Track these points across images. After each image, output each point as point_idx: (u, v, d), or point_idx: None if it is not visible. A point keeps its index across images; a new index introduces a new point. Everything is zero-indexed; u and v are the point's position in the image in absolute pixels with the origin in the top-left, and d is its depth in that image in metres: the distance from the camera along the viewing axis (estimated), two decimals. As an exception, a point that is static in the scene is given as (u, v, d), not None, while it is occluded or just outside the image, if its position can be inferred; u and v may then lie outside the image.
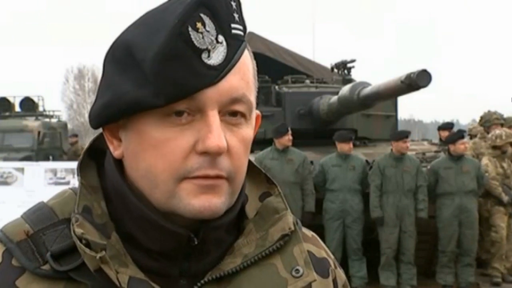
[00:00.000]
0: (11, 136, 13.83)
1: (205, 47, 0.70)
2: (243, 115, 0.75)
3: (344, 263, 6.44)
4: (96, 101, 0.78)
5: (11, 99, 16.70)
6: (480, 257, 7.32)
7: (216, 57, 0.71)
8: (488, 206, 7.31)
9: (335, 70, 9.53)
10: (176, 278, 0.79)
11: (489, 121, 8.92)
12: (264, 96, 7.98)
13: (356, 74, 10.36)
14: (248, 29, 0.78)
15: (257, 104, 0.80)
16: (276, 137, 6.71)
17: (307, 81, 8.77)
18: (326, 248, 0.94)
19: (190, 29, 0.69)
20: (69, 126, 20.45)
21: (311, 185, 6.68)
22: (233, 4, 0.73)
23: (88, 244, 0.73)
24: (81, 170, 0.81)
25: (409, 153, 6.83)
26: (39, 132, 14.18)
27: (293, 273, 0.81)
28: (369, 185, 6.65)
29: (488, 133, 8.33)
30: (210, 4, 0.70)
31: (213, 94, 0.72)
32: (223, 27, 0.71)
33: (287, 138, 6.68)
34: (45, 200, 0.83)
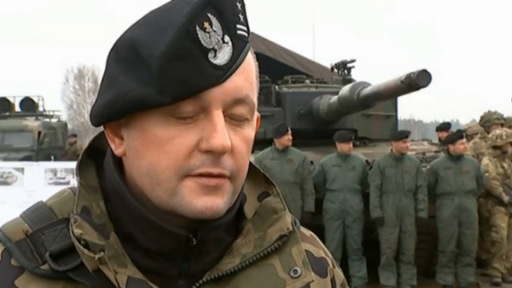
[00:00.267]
0: (11, 136, 13.83)
1: (211, 46, 0.70)
2: (246, 115, 0.76)
3: (344, 263, 6.44)
4: (98, 99, 0.78)
5: (11, 99, 16.71)
6: (480, 257, 7.33)
7: (222, 57, 0.71)
8: (489, 206, 7.31)
9: (335, 70, 9.54)
10: (175, 278, 0.79)
11: (489, 121, 8.92)
12: (264, 96, 7.98)
13: (356, 74, 10.38)
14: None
15: (258, 104, 0.80)
16: (276, 137, 6.72)
17: (307, 81, 8.77)
18: (325, 248, 0.94)
19: (197, 28, 0.69)
20: (69, 126, 20.45)
21: (310, 185, 6.68)
22: (239, 5, 0.73)
23: (86, 245, 0.73)
24: (80, 170, 0.81)
25: (409, 153, 6.83)
26: (39, 132, 14.18)
27: (291, 273, 0.81)
28: (369, 185, 6.66)
29: (488, 133, 8.32)
30: (217, 4, 0.71)
31: (218, 94, 0.72)
32: (229, 28, 0.72)
33: (287, 138, 6.68)
34: (44, 200, 0.83)
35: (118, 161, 0.80)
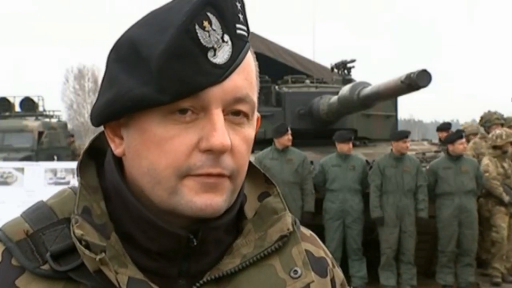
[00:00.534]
0: (11, 136, 13.82)
1: (211, 45, 0.70)
2: (245, 115, 0.76)
3: (344, 263, 6.44)
4: (99, 99, 0.78)
5: (11, 99, 16.70)
6: (480, 257, 7.33)
7: (222, 56, 0.71)
8: (489, 206, 7.31)
9: (335, 70, 9.53)
10: (175, 278, 0.79)
11: (489, 121, 8.92)
12: (264, 96, 7.98)
13: (356, 74, 10.39)
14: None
15: (257, 104, 0.81)
16: (275, 137, 6.72)
17: (307, 81, 8.77)
18: (325, 247, 0.94)
19: (197, 27, 0.70)
20: (69, 126, 20.45)
21: (310, 185, 6.68)
22: (238, 5, 0.73)
23: (87, 246, 0.73)
24: (81, 170, 0.81)
25: (409, 153, 6.83)
26: (39, 132, 14.18)
27: (292, 274, 0.81)
28: (369, 185, 6.66)
29: (488, 133, 8.32)
30: (217, 3, 0.71)
31: (217, 93, 0.72)
32: (228, 27, 0.72)
33: (287, 138, 6.68)
34: (44, 200, 0.83)
35: (119, 161, 0.80)
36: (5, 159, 11.53)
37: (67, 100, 41.27)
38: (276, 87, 8.39)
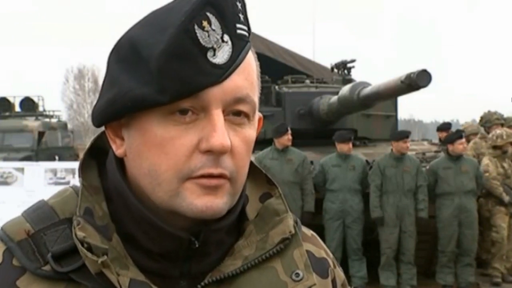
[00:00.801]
0: (11, 136, 13.83)
1: (210, 45, 0.70)
2: (246, 115, 0.75)
3: (344, 263, 6.44)
4: (99, 99, 0.78)
5: (11, 99, 16.72)
6: (480, 257, 7.32)
7: (222, 56, 0.71)
8: (489, 206, 7.31)
9: (335, 70, 9.53)
10: (177, 279, 0.78)
11: (489, 121, 8.91)
12: (264, 96, 7.96)
13: (356, 74, 10.39)
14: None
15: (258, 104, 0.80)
16: (275, 137, 6.72)
17: (307, 81, 8.77)
18: (326, 248, 0.94)
19: (196, 27, 0.69)
20: (69, 126, 20.44)
21: (310, 185, 6.68)
22: (239, 5, 0.73)
23: (89, 248, 0.72)
24: (83, 171, 0.81)
25: (409, 153, 6.82)
26: (39, 132, 14.18)
27: (293, 276, 0.81)
28: (369, 185, 6.65)
29: (488, 133, 8.32)
30: (217, 3, 0.71)
31: (217, 93, 0.72)
32: (228, 27, 0.72)
33: (287, 138, 6.68)
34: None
35: (120, 161, 0.80)
36: (5, 159, 11.54)
37: (67, 100, 41.29)
38: (276, 87, 8.39)
